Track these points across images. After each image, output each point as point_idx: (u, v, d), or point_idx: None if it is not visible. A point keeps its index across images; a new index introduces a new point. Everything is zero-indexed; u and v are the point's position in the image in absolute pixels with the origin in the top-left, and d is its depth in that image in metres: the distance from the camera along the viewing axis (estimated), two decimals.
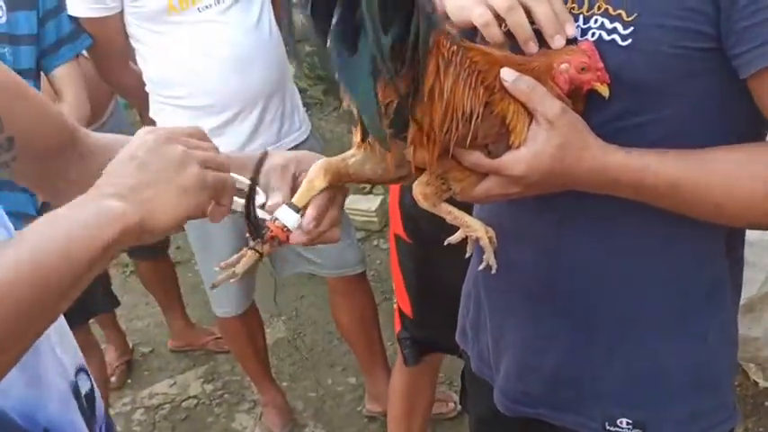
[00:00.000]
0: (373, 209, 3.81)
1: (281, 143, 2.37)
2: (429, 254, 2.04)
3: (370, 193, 3.91)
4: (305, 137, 2.47)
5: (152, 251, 3.08)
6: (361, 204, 3.85)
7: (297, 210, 0.93)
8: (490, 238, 1.00)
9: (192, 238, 2.52)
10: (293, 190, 0.95)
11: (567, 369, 1.17)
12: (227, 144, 2.22)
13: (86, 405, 0.94)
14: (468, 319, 1.37)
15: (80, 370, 0.96)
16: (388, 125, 0.88)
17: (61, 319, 0.93)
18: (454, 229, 1.88)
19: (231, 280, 0.94)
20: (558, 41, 0.97)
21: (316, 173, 0.94)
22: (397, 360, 2.32)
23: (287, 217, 0.93)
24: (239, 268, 0.93)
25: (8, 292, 0.69)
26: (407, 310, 2.16)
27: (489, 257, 1.01)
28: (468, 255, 1.09)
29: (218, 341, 3.23)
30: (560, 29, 0.97)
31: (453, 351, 2.28)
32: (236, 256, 0.94)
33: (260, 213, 0.93)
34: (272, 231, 0.92)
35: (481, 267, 1.04)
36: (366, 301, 2.69)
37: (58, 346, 0.91)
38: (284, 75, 2.41)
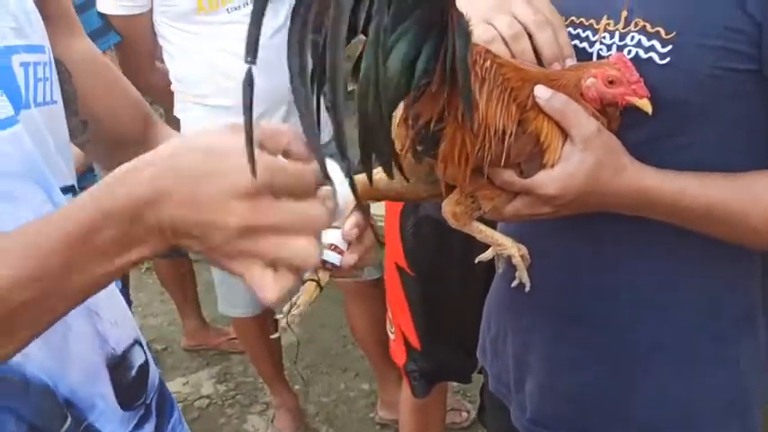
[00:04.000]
0: None
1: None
2: (434, 285, 2.02)
3: None
4: (327, 139, 2.46)
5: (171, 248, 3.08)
6: (377, 210, 3.84)
7: (337, 227, 0.89)
8: (522, 256, 0.98)
9: None
10: None
11: (594, 393, 1.15)
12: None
13: (136, 376, 0.95)
14: (489, 336, 1.35)
15: (135, 343, 0.96)
16: (419, 142, 0.87)
17: (116, 294, 0.95)
18: (457, 259, 1.87)
19: (297, 314, 0.88)
20: (554, 69, 0.95)
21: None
22: (404, 382, 2.30)
23: (330, 237, 0.89)
24: (302, 302, 0.88)
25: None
26: (414, 342, 2.13)
27: (522, 275, 0.99)
28: (499, 272, 1.07)
29: (231, 341, 3.23)
30: (559, 56, 0.95)
31: (464, 379, 2.27)
32: (295, 297, 0.88)
33: (324, 254, 0.88)
34: (322, 256, 0.87)
35: (514, 285, 1.01)
36: (381, 306, 2.67)
37: (105, 322, 0.91)
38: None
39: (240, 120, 2.13)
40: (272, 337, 0.87)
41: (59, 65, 0.90)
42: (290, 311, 0.88)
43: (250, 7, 2.36)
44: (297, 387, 3.00)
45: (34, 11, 0.87)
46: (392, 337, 2.23)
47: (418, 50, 0.78)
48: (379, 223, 4.11)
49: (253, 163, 0.62)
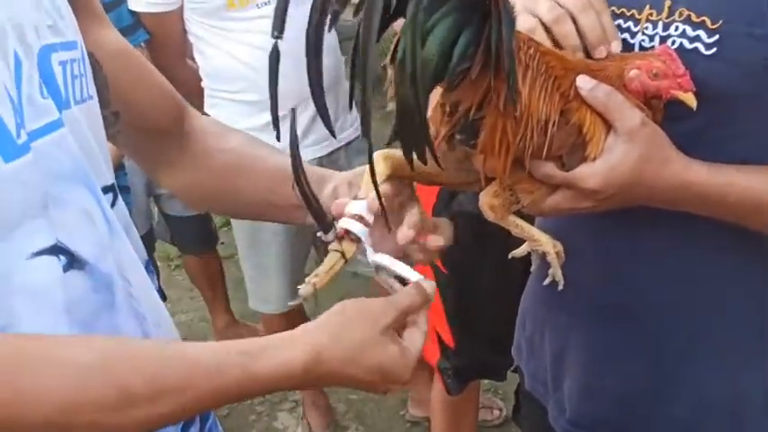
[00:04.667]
0: None
1: (333, 140, 2.35)
2: (469, 282, 2.01)
3: None
4: (357, 134, 2.45)
5: (200, 245, 3.09)
6: None
7: (364, 200, 0.88)
8: (557, 253, 0.96)
9: (239, 233, 2.51)
10: None
11: (635, 392, 1.12)
12: (281, 140, 2.22)
13: None
14: (525, 334, 1.32)
15: None
16: (458, 131, 0.85)
17: (154, 293, 0.95)
18: (491, 255, 1.82)
19: (316, 286, 0.88)
20: (599, 53, 0.92)
21: (375, 160, 0.90)
22: (435, 380, 2.28)
23: (355, 206, 0.87)
24: (322, 270, 0.87)
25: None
26: (448, 340, 2.11)
27: (556, 273, 0.97)
28: (533, 268, 1.05)
29: None
30: (604, 40, 0.92)
31: (498, 376, 2.25)
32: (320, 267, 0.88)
33: (346, 223, 0.87)
34: (343, 225, 0.86)
35: (546, 282, 0.99)
36: None
37: (150, 324, 0.91)
38: (339, 72, 2.39)
39: (267, 114, 2.08)
40: (290, 303, 0.90)
41: (90, 57, 0.90)
42: (311, 284, 0.87)
43: None
44: None
45: (66, 6, 0.86)
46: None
47: (457, 35, 0.76)
48: None
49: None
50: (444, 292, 2.07)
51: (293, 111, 0.83)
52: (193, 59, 2.37)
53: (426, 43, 0.74)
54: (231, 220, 2.63)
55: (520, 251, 1.00)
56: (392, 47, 0.77)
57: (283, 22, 0.73)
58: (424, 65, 0.73)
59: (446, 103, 0.84)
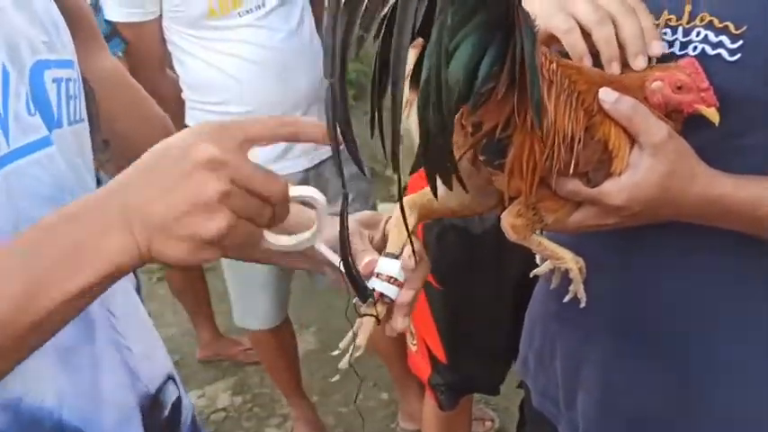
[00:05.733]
0: None
1: (319, 152, 2.30)
2: (461, 297, 1.97)
3: None
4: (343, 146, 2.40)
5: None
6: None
7: (395, 257, 0.82)
8: (580, 269, 0.92)
9: None
10: (378, 251, 0.85)
11: (657, 411, 1.08)
12: (265, 151, 2.15)
13: (169, 416, 0.90)
14: (532, 349, 1.28)
15: (168, 378, 0.92)
16: (481, 151, 0.80)
17: (147, 324, 0.92)
18: (483, 269, 1.77)
19: (357, 353, 0.82)
20: (639, 62, 0.88)
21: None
22: (427, 394, 2.24)
23: (389, 267, 0.81)
24: (362, 340, 0.81)
25: None
26: (440, 356, 2.07)
27: (578, 289, 0.93)
28: (553, 286, 1.00)
29: (247, 352, 3.16)
30: (644, 48, 0.88)
31: (491, 391, 2.21)
32: (350, 333, 0.82)
33: (381, 287, 0.81)
34: (378, 289, 0.81)
35: (567, 299, 0.95)
36: None
37: (138, 357, 0.86)
38: (324, 81, 2.34)
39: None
40: (333, 379, 0.84)
41: (84, 81, 0.86)
42: (351, 352, 0.81)
43: (262, 11, 2.29)
44: (315, 398, 2.93)
45: (64, 26, 0.83)
46: (413, 349, 2.17)
47: (482, 54, 0.71)
48: None
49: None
50: (436, 307, 2.02)
51: (345, 196, 0.74)
52: (173, 70, 2.30)
53: (451, 65, 0.70)
54: None
55: (541, 269, 0.96)
56: (410, 68, 0.72)
57: (335, 64, 0.69)
58: (449, 87, 0.69)
59: (467, 123, 0.79)
